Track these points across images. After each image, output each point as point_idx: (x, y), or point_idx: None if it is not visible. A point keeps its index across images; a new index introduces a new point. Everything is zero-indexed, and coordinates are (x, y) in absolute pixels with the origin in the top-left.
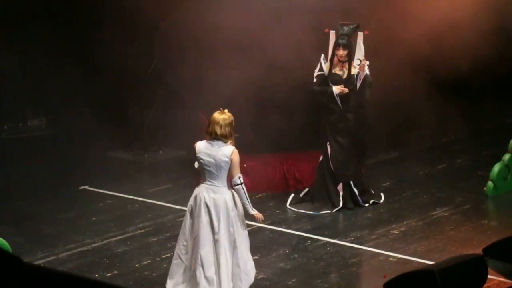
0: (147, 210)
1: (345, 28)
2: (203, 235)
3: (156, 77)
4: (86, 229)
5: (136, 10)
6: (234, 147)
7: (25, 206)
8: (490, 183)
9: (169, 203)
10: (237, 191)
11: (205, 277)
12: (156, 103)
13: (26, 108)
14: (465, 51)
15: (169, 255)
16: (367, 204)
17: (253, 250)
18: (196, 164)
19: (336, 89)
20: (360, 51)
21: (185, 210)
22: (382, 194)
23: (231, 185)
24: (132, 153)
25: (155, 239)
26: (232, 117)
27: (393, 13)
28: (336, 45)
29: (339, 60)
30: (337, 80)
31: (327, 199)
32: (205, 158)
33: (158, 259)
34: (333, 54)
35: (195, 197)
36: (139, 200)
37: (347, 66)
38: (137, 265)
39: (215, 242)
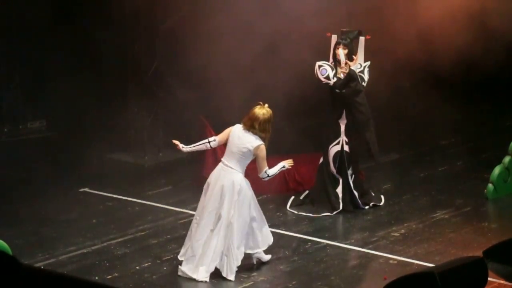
0: (147, 212)
1: (347, 34)
2: (207, 210)
3: (157, 78)
4: (86, 231)
5: (137, 11)
6: (262, 143)
7: (25, 208)
8: (490, 185)
9: (169, 205)
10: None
11: (191, 249)
12: (157, 105)
13: (26, 110)
14: (465, 53)
15: (169, 257)
16: (367, 207)
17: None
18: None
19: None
20: (361, 56)
21: (185, 213)
22: (382, 197)
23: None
24: (132, 155)
25: (155, 241)
26: (271, 113)
27: (391, 14)
28: (336, 44)
29: (338, 60)
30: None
31: (327, 201)
32: (235, 137)
33: (158, 261)
34: (334, 55)
35: (212, 173)
36: (139, 203)
37: (346, 70)
38: (137, 268)
39: (217, 220)
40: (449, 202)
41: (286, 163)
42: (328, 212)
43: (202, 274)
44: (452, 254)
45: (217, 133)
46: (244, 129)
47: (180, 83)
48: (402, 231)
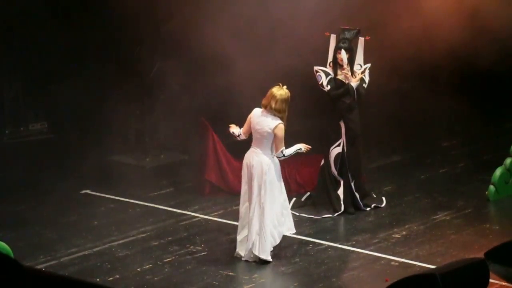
0: (149, 214)
1: (346, 32)
2: (243, 193)
3: (159, 80)
4: (87, 233)
5: (139, 13)
6: (280, 122)
7: (26, 210)
8: (491, 187)
9: (171, 207)
10: (284, 160)
11: (239, 234)
12: (158, 107)
13: (27, 112)
14: (466, 54)
15: (170, 259)
16: (368, 208)
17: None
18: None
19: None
20: (360, 57)
21: (187, 214)
22: (383, 198)
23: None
24: (133, 157)
25: (157, 243)
26: (289, 94)
27: (387, 13)
28: (338, 49)
29: (339, 64)
30: (340, 86)
31: (329, 203)
32: (255, 124)
33: (160, 263)
34: (335, 58)
35: (244, 158)
36: (141, 204)
37: (348, 71)
38: (138, 269)
39: (251, 201)
40: (451, 204)
41: (303, 146)
42: (330, 214)
43: (249, 255)
44: (454, 255)
45: (218, 135)
46: (262, 112)
47: (181, 85)
48: (404, 232)
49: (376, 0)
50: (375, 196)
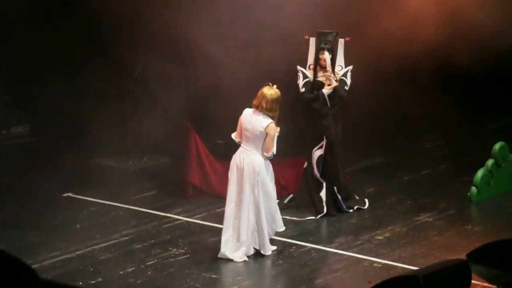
0: (131, 217)
1: (325, 36)
2: (229, 193)
3: (141, 83)
4: (70, 236)
5: (121, 15)
6: (271, 121)
7: (8, 214)
8: (473, 188)
9: (153, 210)
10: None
11: (224, 235)
12: (141, 109)
13: (9, 115)
14: (446, 55)
15: (153, 262)
16: (351, 210)
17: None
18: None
19: (327, 89)
20: (341, 58)
21: (169, 217)
22: (366, 200)
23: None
24: (116, 160)
25: (139, 246)
26: (279, 93)
27: (373, 18)
28: (320, 49)
29: (321, 66)
30: (321, 87)
31: (312, 205)
32: (246, 123)
33: (143, 266)
34: (316, 60)
35: (233, 157)
36: (123, 207)
37: (330, 73)
38: (121, 272)
39: (240, 201)
40: (433, 205)
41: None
42: (313, 216)
43: (238, 255)
44: (436, 257)
45: (200, 137)
46: (253, 111)
47: (164, 87)
48: (386, 234)
49: (356, 1)
50: (358, 198)
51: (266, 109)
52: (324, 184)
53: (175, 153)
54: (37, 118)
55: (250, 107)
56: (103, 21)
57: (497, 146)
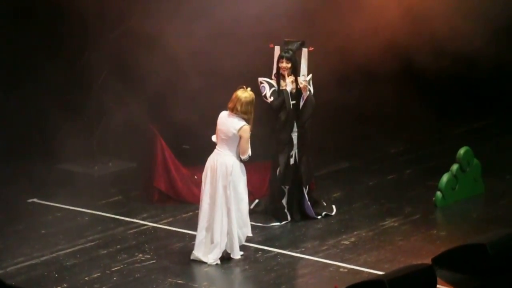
0: (97, 222)
1: (290, 44)
2: (203, 194)
3: (106, 88)
4: (35, 242)
5: (86, 20)
6: (246, 124)
7: None
8: (438, 193)
9: (119, 215)
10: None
11: (198, 235)
12: (106, 114)
13: None
14: (410, 61)
15: (119, 267)
16: (319, 217)
17: (204, 262)
18: (214, 138)
19: (290, 86)
20: (304, 67)
21: (135, 222)
22: (334, 207)
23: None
24: (81, 165)
25: (105, 251)
26: (253, 96)
27: (340, 22)
28: (280, 57)
29: (281, 74)
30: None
31: (275, 212)
32: (220, 125)
33: (108, 272)
34: (278, 68)
35: (208, 159)
36: (89, 213)
37: (292, 81)
38: (86, 278)
39: (213, 202)
40: (399, 210)
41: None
42: (277, 222)
43: (212, 257)
44: (402, 261)
45: (166, 142)
46: (228, 114)
47: (129, 92)
48: (352, 239)
49: (319, 8)
50: (325, 204)
51: (241, 111)
52: (286, 192)
53: (141, 158)
54: (2, 123)
55: (226, 109)
56: (69, 25)
57: (461, 151)
